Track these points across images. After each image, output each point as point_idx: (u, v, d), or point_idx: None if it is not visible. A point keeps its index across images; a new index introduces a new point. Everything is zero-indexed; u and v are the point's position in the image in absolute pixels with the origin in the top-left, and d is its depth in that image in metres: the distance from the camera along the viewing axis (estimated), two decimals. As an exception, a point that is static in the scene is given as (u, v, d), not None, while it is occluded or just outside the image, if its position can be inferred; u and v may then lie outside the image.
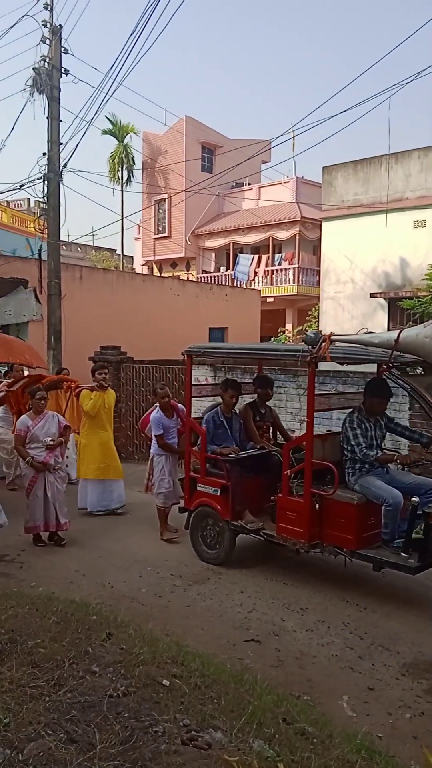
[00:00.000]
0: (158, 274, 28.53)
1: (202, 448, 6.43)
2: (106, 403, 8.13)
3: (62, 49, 12.25)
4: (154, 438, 7.22)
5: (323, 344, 5.19)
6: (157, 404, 7.28)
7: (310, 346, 5.29)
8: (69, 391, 8.61)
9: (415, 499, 5.03)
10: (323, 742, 2.78)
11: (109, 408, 8.20)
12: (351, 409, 5.90)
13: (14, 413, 8.87)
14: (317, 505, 5.47)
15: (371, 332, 5.50)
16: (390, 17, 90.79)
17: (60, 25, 12.18)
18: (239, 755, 2.34)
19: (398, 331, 5.23)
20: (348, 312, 16.65)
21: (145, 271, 30.68)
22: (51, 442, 6.74)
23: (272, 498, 5.97)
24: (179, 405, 7.31)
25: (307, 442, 5.54)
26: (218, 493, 6.25)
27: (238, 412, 6.79)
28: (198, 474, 6.51)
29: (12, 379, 9.21)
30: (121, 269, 28.82)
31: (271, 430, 7.16)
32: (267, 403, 7.12)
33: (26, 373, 9.65)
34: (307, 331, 5.30)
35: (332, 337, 5.26)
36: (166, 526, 7.16)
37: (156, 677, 2.96)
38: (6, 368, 10.53)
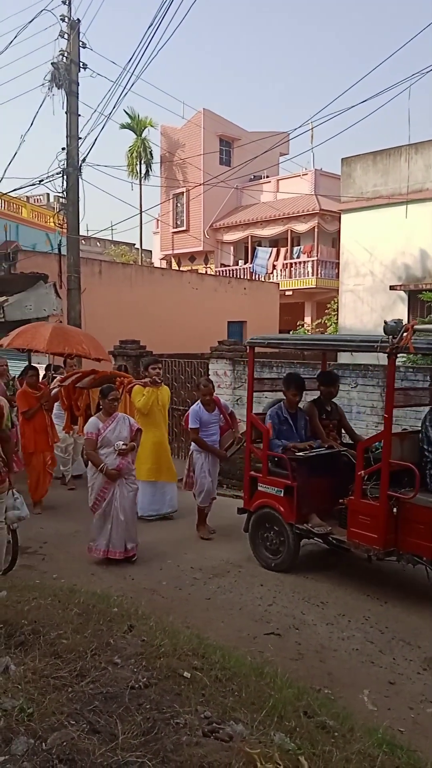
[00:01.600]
0: (177, 268, 28.56)
1: (265, 445, 6.06)
2: (160, 400, 7.61)
3: (80, 43, 12.29)
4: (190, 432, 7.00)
5: (405, 334, 4.80)
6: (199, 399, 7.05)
7: (390, 336, 4.87)
8: (121, 387, 8.06)
9: None
10: (344, 735, 2.77)
11: (163, 405, 7.68)
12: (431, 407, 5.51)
13: (65, 409, 8.72)
14: (394, 510, 5.09)
15: None
16: (410, 7, 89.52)
17: (78, 19, 12.24)
18: (260, 748, 2.34)
19: None
20: (367, 305, 16.52)
21: (164, 265, 30.73)
22: (123, 447, 6.05)
23: (341, 501, 5.62)
24: (221, 400, 7.16)
25: (385, 440, 5.14)
26: (282, 494, 5.88)
27: (302, 408, 6.41)
28: (259, 473, 6.17)
29: (65, 374, 9.02)
30: (139, 263, 28.87)
31: (336, 430, 6.68)
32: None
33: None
34: (387, 321, 4.92)
35: (415, 327, 4.87)
36: (204, 523, 7.02)
37: (177, 669, 2.97)
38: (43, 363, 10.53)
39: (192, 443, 7.07)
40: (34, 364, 9.36)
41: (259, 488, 6.15)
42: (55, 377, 9.21)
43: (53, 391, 8.45)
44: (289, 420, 6.23)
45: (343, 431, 6.73)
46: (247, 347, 6.49)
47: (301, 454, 5.84)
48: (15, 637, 3.18)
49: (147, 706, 2.56)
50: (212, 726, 2.48)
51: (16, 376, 9.63)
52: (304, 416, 6.36)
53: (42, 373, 9.23)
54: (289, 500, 5.83)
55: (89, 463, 6.24)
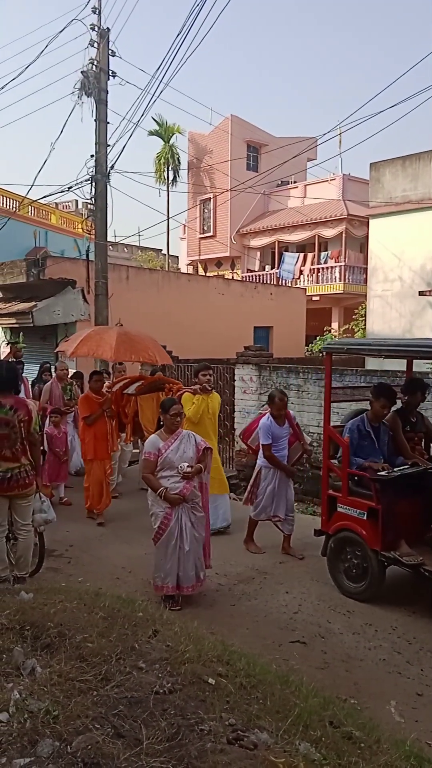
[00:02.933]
0: (203, 274, 28.62)
1: (344, 462, 5.55)
2: (210, 408, 6.99)
3: (110, 52, 12.42)
4: (261, 448, 6.63)
5: None
6: (267, 411, 6.70)
7: None
8: (170, 394, 7.56)
9: None
10: (371, 747, 2.73)
11: (213, 413, 7.06)
12: None
13: (113, 416, 8.20)
14: None
15: None
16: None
17: (108, 28, 12.36)
18: (285, 757, 2.31)
19: None
20: (396, 310, 16.37)
21: (191, 270, 30.83)
22: (189, 470, 5.21)
23: None
24: (290, 412, 6.84)
25: None
26: (365, 517, 5.36)
27: (385, 422, 5.84)
28: (338, 492, 5.70)
29: (114, 380, 8.71)
30: (166, 269, 29.02)
31: (423, 443, 6.13)
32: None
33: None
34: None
35: None
36: (251, 537, 6.79)
37: (202, 675, 2.96)
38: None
39: (259, 458, 6.72)
40: (99, 370, 9.05)
41: (339, 509, 5.66)
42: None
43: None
44: (372, 434, 5.66)
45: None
46: (324, 353, 6.03)
47: (383, 473, 5.25)
48: (41, 639, 3.20)
49: (171, 712, 2.55)
50: (237, 733, 2.46)
51: (75, 381, 9.55)
52: (387, 430, 5.79)
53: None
54: (373, 524, 5.29)
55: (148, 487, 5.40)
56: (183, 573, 5.23)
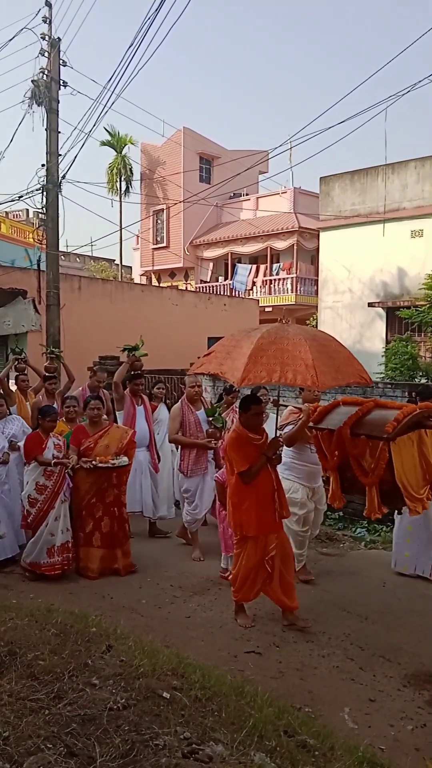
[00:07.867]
0: (157, 284, 28.60)
1: None
2: None
3: (61, 61, 12.36)
4: None
5: None
6: None
7: None
8: None
9: None
10: (325, 754, 2.76)
11: None
12: None
13: (328, 468, 5.03)
14: None
15: None
16: (389, 28, 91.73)
17: (58, 38, 12.30)
18: (240, 768, 2.32)
19: None
20: (346, 321, 16.71)
21: (144, 281, 30.77)
22: None
23: None
24: None
25: None
26: None
27: None
28: None
29: (311, 405, 5.44)
30: (119, 279, 28.89)
31: None
32: None
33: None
34: None
35: None
36: None
37: (156, 689, 2.94)
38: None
39: None
40: (256, 395, 5.59)
41: None
42: (284, 405, 6.16)
43: (286, 429, 5.57)
44: None
45: None
46: None
47: None
48: (-9, 658, 3.12)
49: (125, 728, 2.52)
50: (192, 747, 2.45)
51: (216, 402, 7.24)
52: None
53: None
54: None
55: None
56: None
